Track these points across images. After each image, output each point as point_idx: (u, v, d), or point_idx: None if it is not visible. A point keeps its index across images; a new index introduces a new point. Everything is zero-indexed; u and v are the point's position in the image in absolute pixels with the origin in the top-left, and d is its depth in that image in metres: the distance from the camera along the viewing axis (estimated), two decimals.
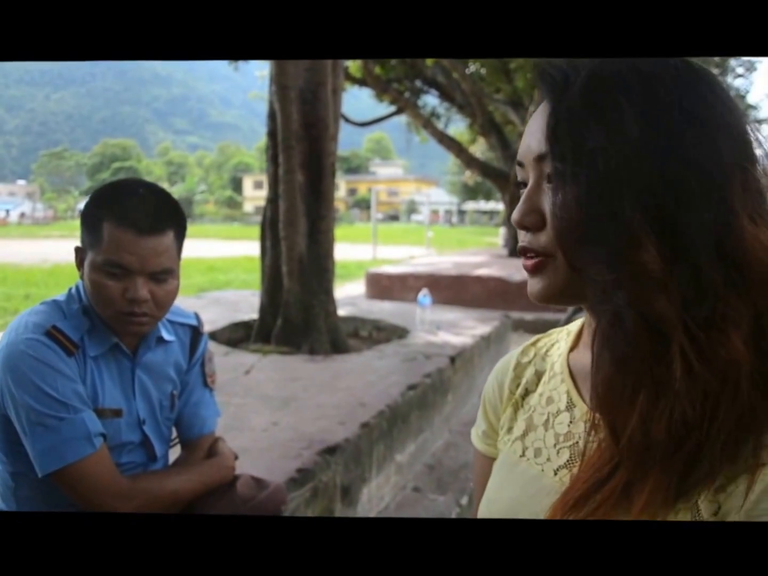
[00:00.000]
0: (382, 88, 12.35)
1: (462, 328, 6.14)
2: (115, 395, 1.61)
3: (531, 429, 0.84)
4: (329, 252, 5.43)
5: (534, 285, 0.75)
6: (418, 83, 13.49)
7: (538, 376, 0.89)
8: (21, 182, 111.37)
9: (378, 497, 3.44)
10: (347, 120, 12.73)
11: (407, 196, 70.82)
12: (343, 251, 20.14)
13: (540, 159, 0.72)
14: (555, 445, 0.80)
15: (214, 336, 5.51)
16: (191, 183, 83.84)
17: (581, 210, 0.67)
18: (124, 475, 1.55)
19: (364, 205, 71.83)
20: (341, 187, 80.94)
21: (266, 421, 3.20)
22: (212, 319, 6.18)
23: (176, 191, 78.38)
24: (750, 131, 0.70)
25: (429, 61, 12.66)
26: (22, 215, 71.06)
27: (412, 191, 71.65)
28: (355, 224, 59.29)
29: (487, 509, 0.85)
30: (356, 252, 19.99)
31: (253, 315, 5.94)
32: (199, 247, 25.84)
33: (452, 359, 4.79)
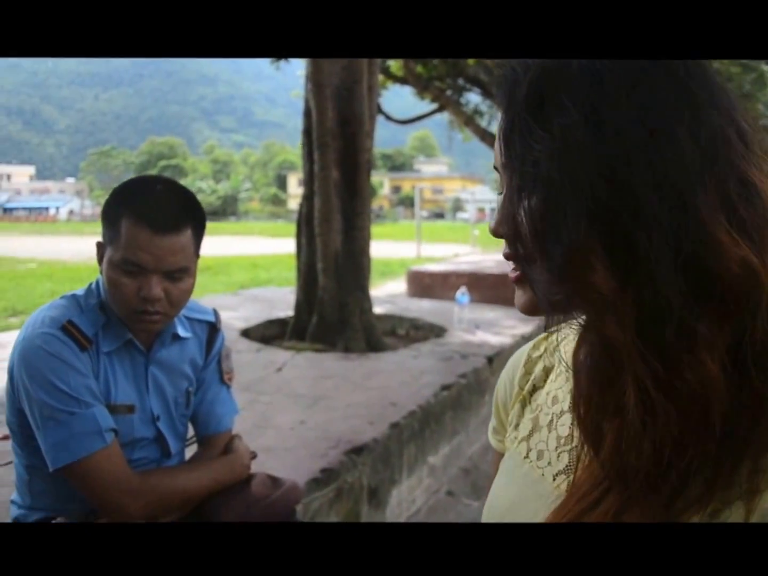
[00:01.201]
0: (422, 86, 12.28)
1: (502, 327, 6.06)
2: (128, 391, 1.61)
3: (536, 430, 0.81)
4: (365, 249, 5.42)
5: (518, 297, 0.70)
6: (460, 81, 13.38)
7: (547, 372, 0.85)
8: (70, 180, 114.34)
9: (409, 501, 3.40)
10: (389, 117, 12.71)
11: (452, 194, 70.53)
12: (387, 249, 20.22)
13: (503, 167, 0.67)
14: (556, 448, 0.77)
15: (247, 333, 5.55)
16: (236, 181, 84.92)
17: (530, 225, 0.62)
18: (135, 472, 1.54)
19: (408, 202, 71.83)
20: (385, 184, 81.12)
21: (294, 419, 3.20)
22: (247, 316, 6.23)
23: (221, 189, 79.50)
24: (741, 128, 0.62)
25: (471, 60, 12.54)
26: (71, 212, 72.84)
27: (458, 189, 71.31)
28: (400, 222, 59.31)
29: (489, 506, 0.82)
30: (400, 250, 19.96)
31: (289, 312, 5.96)
32: (243, 244, 26.20)
33: (490, 359, 4.73)
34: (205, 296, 8.30)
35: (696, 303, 0.58)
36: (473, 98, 15.04)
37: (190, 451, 1.83)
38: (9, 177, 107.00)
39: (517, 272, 0.69)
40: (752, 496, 0.59)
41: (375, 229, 5.98)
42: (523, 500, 0.77)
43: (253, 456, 1.87)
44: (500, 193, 0.70)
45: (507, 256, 0.69)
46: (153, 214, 1.47)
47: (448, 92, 13.67)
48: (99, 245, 1.57)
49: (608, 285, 0.59)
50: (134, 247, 1.47)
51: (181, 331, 1.72)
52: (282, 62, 11.27)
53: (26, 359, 1.50)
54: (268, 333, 5.81)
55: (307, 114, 5.38)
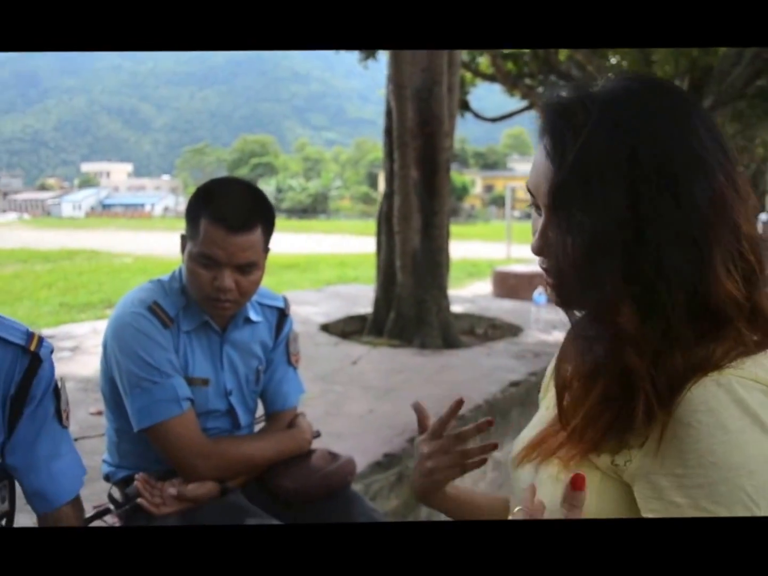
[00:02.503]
0: (511, 83, 12.34)
1: None
2: (204, 366, 1.85)
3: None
4: (443, 247, 5.59)
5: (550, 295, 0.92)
6: (552, 78, 13.35)
7: None
8: (165, 177, 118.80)
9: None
10: (477, 115, 12.82)
11: None
12: (477, 249, 20.25)
13: (545, 205, 0.86)
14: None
15: (327, 328, 5.82)
16: (327, 179, 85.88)
17: (570, 270, 0.83)
18: (206, 437, 1.78)
19: (501, 202, 71.24)
20: (477, 183, 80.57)
21: (364, 408, 3.41)
22: (328, 312, 6.51)
23: (312, 187, 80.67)
24: (738, 185, 0.81)
25: (562, 56, 12.50)
26: (166, 209, 75.71)
27: None
28: (492, 222, 58.83)
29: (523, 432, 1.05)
30: (490, 250, 19.97)
31: (370, 309, 6.19)
32: (332, 242, 26.71)
33: None
34: (290, 291, 8.66)
35: (698, 330, 0.79)
36: None
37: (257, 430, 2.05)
38: (108, 174, 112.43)
39: (550, 283, 0.90)
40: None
41: (466, 229, 6.16)
42: (535, 424, 1.02)
43: (317, 435, 2.08)
44: (539, 213, 0.89)
45: (544, 270, 0.90)
46: (228, 215, 1.71)
47: (539, 89, 13.66)
48: (182, 238, 1.82)
49: (632, 324, 0.80)
50: (210, 243, 1.71)
51: (253, 316, 1.95)
52: (371, 60, 11.57)
53: (117, 334, 1.76)
54: (347, 328, 6.07)
55: (389, 114, 5.62)
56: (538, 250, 0.88)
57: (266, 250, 1.83)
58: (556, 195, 0.83)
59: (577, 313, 0.88)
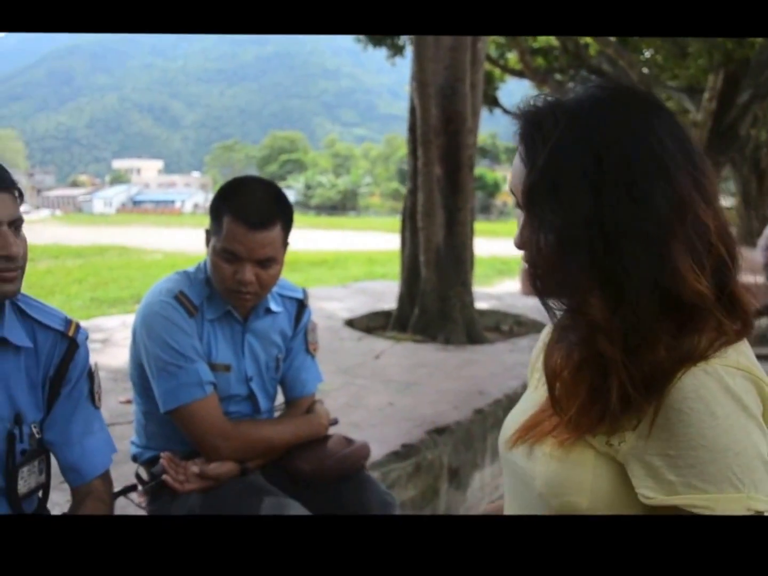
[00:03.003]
0: (540, 79, 12.36)
1: None
2: (227, 353, 1.97)
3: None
4: (466, 244, 5.67)
5: (523, 283, 1.02)
6: (582, 72, 13.33)
7: None
8: (195, 174, 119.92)
9: (492, 486, 3.64)
10: (507, 111, 12.84)
11: None
12: (507, 247, 20.09)
13: (523, 203, 0.96)
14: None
15: (352, 323, 5.93)
16: (356, 175, 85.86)
17: (543, 264, 0.93)
18: (228, 419, 1.90)
19: None
20: (509, 180, 79.89)
21: (384, 401, 3.51)
22: (354, 307, 6.63)
23: (341, 183, 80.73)
24: (703, 188, 0.89)
25: (593, 51, 12.49)
26: (196, 205, 76.42)
27: None
28: None
29: (512, 411, 1.14)
30: None
31: (395, 305, 6.29)
32: (362, 239, 26.83)
33: None
34: (316, 287, 8.79)
35: (665, 320, 0.87)
36: None
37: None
38: (139, 171, 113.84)
39: (528, 274, 0.98)
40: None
41: (497, 226, 6.23)
42: (526, 404, 1.11)
43: (334, 422, 2.18)
44: (520, 210, 0.99)
45: (525, 263, 0.99)
46: (249, 213, 1.82)
47: (570, 84, 13.65)
48: (207, 232, 1.93)
49: (602, 313, 0.90)
50: (232, 239, 1.82)
51: (273, 306, 2.06)
52: (398, 57, 11.66)
53: (146, 321, 1.89)
54: (371, 324, 6.17)
55: (412, 112, 5.72)
56: (518, 245, 0.97)
57: (285, 245, 1.94)
58: (528, 196, 0.93)
59: (553, 304, 0.97)
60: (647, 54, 13.70)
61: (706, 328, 0.88)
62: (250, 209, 1.82)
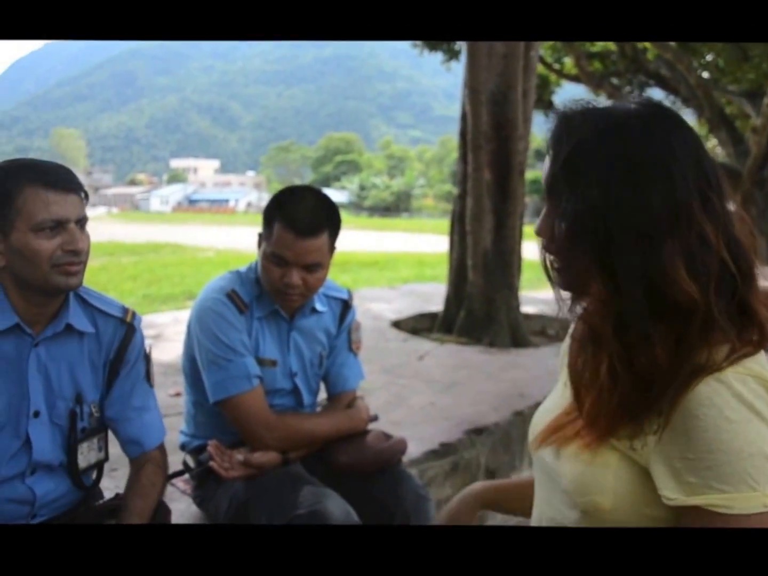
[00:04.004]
0: (596, 84, 12.29)
1: None
2: (273, 349, 2.09)
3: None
4: (514, 248, 5.72)
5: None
6: (640, 77, 13.20)
7: None
8: (250, 173, 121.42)
9: None
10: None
11: None
12: None
13: (547, 194, 1.05)
14: None
15: (398, 324, 6.03)
16: (410, 177, 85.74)
17: (556, 250, 1.03)
18: (272, 411, 2.02)
19: None
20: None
21: (425, 401, 3.60)
22: (401, 309, 6.72)
23: (395, 185, 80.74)
24: (707, 198, 0.95)
25: (651, 55, 12.38)
26: (249, 204, 77.33)
27: None
28: None
29: (539, 409, 1.21)
30: None
31: (442, 307, 6.36)
32: (413, 241, 26.92)
33: None
34: (364, 288, 8.92)
35: (653, 314, 0.95)
36: (656, 94, 14.70)
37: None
38: (196, 170, 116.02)
39: (541, 254, 1.08)
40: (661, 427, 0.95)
41: None
42: (554, 401, 1.17)
43: (374, 418, 2.28)
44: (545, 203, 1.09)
45: (543, 248, 1.09)
46: (298, 221, 1.93)
47: (627, 88, 13.51)
48: (259, 236, 2.05)
49: (600, 294, 0.98)
50: (281, 245, 1.94)
51: (319, 306, 2.17)
52: (454, 61, 11.74)
53: (199, 316, 2.02)
54: (418, 325, 6.26)
55: (463, 117, 5.79)
56: (537, 231, 1.06)
57: (332, 250, 2.04)
58: (549, 186, 1.02)
59: (562, 292, 1.06)
60: (708, 58, 13.49)
61: (715, 339, 0.94)
62: (300, 217, 1.93)
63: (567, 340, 1.26)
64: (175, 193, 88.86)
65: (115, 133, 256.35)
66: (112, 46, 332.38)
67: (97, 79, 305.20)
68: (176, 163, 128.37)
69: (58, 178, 1.42)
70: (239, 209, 75.65)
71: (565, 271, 1.04)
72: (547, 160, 1.03)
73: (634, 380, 0.95)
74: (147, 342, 1.72)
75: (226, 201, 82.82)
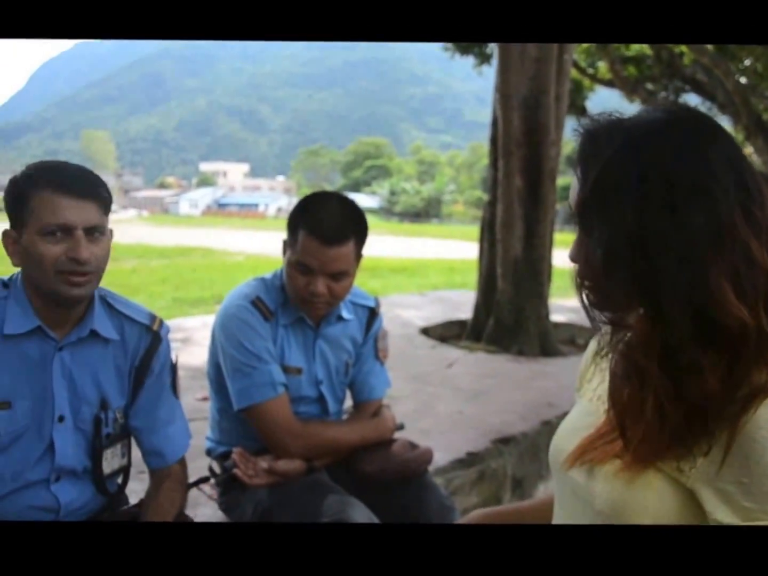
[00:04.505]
0: (630, 89, 12.18)
1: None
2: (298, 357, 2.10)
3: (602, 382, 1.14)
4: (544, 256, 5.70)
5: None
6: (676, 82, 13.06)
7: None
8: (280, 178, 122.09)
9: None
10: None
11: None
12: None
13: (578, 216, 1.01)
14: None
15: (427, 331, 6.03)
16: (441, 182, 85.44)
17: (592, 276, 0.98)
18: (297, 419, 2.03)
19: None
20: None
21: (453, 409, 3.60)
22: (430, 316, 6.73)
23: (425, 190, 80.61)
24: (751, 213, 0.90)
25: (687, 59, 12.25)
26: (279, 209, 77.70)
27: None
28: None
29: (561, 426, 1.17)
30: None
31: (471, 315, 6.35)
32: (443, 247, 26.88)
33: None
34: (393, 295, 8.92)
35: (702, 341, 0.91)
36: (692, 100, 14.56)
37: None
38: (225, 174, 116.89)
39: (575, 281, 1.04)
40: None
41: None
42: (581, 419, 1.13)
43: (400, 427, 2.29)
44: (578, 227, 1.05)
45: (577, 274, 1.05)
46: (323, 229, 1.93)
47: (662, 93, 13.39)
48: (284, 243, 2.07)
49: (641, 327, 0.95)
50: (306, 253, 1.94)
51: (345, 314, 2.18)
52: (485, 65, 11.73)
53: (224, 323, 2.04)
54: (446, 332, 6.26)
55: (494, 123, 5.79)
56: (571, 257, 1.02)
57: (358, 258, 2.04)
58: (580, 210, 0.98)
59: (600, 316, 1.00)
60: (747, 62, 13.32)
61: None
62: (325, 225, 1.93)
63: (587, 356, 1.23)
64: (204, 196, 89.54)
65: (144, 135, 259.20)
66: (140, 47, 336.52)
67: (125, 81, 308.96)
68: (205, 167, 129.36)
69: (74, 184, 1.42)
70: (269, 214, 76.01)
71: (602, 302, 0.98)
72: (575, 183, 0.99)
73: (685, 413, 0.91)
74: (175, 345, 1.73)
75: (256, 205, 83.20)
